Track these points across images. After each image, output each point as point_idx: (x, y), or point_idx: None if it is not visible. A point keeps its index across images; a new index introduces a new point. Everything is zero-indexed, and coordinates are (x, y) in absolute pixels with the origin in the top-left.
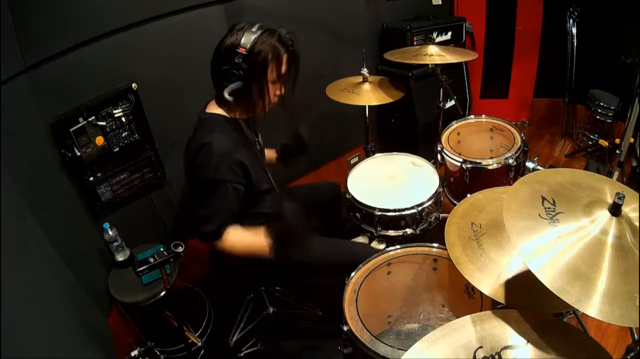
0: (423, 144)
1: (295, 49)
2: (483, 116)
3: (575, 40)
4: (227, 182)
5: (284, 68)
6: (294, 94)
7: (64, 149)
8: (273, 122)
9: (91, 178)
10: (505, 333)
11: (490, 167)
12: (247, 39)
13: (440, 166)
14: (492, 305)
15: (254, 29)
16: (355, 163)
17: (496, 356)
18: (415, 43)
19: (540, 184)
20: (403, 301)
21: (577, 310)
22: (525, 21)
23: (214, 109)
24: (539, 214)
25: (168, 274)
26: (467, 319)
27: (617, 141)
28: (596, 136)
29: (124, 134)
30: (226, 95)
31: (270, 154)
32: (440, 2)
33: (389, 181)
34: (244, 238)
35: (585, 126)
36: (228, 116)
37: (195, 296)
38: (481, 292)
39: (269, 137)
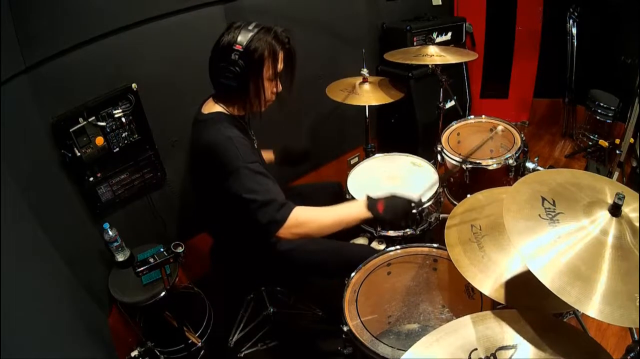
0: (423, 144)
1: (292, 46)
2: (483, 116)
3: (575, 41)
4: (258, 162)
5: (280, 66)
6: (295, 94)
7: (64, 149)
8: (267, 124)
9: (91, 178)
10: (505, 333)
11: (490, 168)
12: (244, 37)
13: (440, 166)
14: (492, 305)
15: (250, 27)
16: (355, 163)
17: (491, 357)
18: (415, 43)
19: (540, 184)
20: (403, 302)
21: (577, 310)
22: (525, 21)
23: (212, 108)
24: (539, 215)
25: (168, 274)
26: (467, 319)
27: (617, 141)
28: (596, 136)
29: (124, 135)
30: (224, 92)
31: (267, 155)
32: (440, 2)
33: (389, 181)
34: (324, 210)
35: (585, 126)
36: (228, 113)
37: (195, 296)
38: (481, 292)
39: (262, 139)
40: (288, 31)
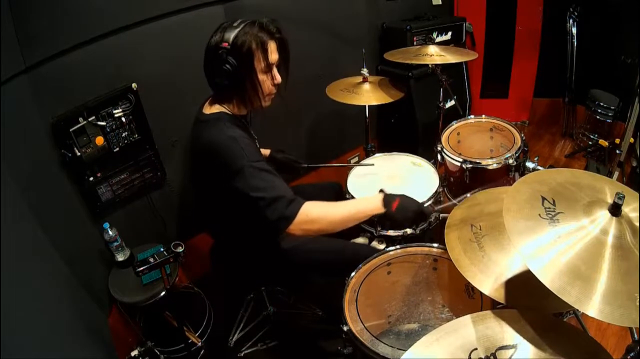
0: (423, 144)
1: (282, 35)
2: (483, 116)
3: (575, 40)
4: (262, 161)
5: (273, 56)
6: (295, 94)
7: (64, 149)
8: (267, 125)
9: (91, 178)
10: (505, 333)
11: (490, 167)
12: (230, 34)
13: (440, 166)
14: (492, 305)
15: (235, 24)
16: (356, 163)
17: (491, 357)
18: (415, 43)
19: (540, 184)
20: (403, 301)
21: (577, 310)
22: (525, 21)
23: (214, 108)
24: (539, 214)
25: (168, 274)
26: (467, 319)
27: (617, 141)
28: (596, 136)
29: (124, 134)
30: (222, 92)
31: (263, 151)
32: (440, 2)
33: (389, 181)
34: (335, 205)
35: (585, 126)
36: (229, 112)
37: (195, 296)
38: (481, 292)
39: (262, 139)
40: (275, 21)
